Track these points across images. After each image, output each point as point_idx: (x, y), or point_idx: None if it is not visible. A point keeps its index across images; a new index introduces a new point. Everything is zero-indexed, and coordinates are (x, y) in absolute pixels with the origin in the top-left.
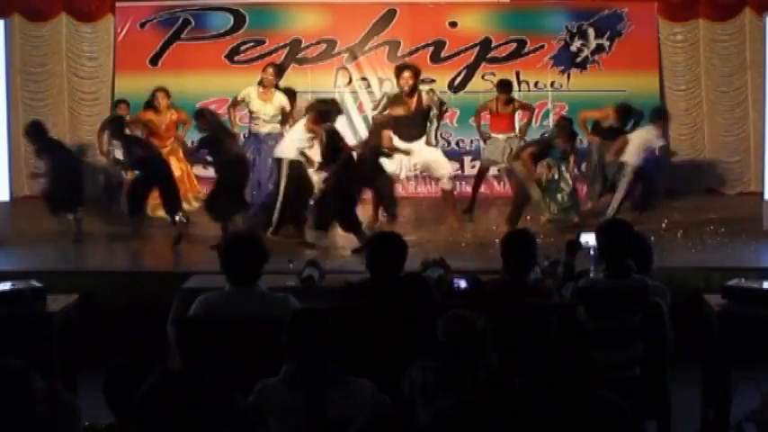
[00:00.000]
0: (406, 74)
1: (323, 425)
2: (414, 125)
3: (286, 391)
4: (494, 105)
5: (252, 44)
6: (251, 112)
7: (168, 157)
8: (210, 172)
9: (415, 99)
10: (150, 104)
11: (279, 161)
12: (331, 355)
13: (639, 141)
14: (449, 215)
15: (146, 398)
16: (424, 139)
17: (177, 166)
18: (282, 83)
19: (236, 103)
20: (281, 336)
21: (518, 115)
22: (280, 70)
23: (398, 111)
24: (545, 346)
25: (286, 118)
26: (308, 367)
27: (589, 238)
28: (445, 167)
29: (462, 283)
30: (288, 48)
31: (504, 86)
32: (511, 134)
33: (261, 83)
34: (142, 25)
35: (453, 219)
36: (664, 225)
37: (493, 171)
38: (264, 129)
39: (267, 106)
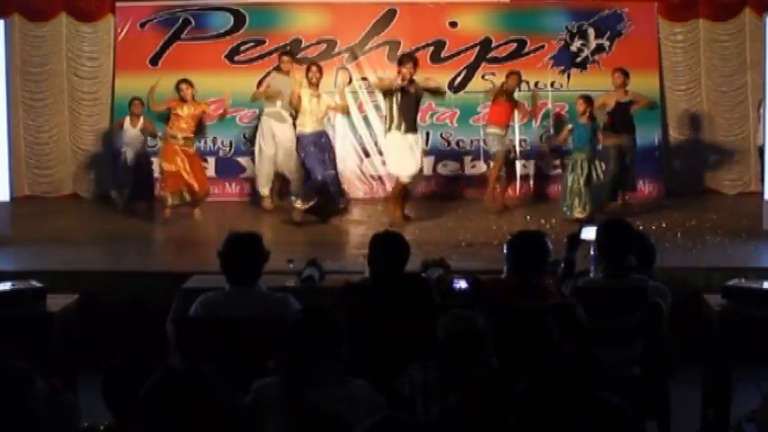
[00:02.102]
0: (408, 65)
1: (304, 423)
2: (412, 114)
3: (283, 390)
4: (500, 94)
5: (252, 44)
6: (297, 113)
7: (182, 148)
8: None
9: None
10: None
11: None
12: (333, 354)
13: None
14: (394, 206)
15: (149, 396)
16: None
17: (176, 160)
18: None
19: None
20: (284, 334)
21: (517, 115)
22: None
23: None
24: (543, 348)
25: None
26: (296, 368)
27: (591, 234)
28: (407, 170)
29: (462, 284)
30: (288, 48)
31: (517, 74)
32: (505, 130)
33: (309, 82)
34: (142, 25)
35: (397, 211)
36: (664, 225)
37: None
38: (309, 128)
39: (320, 105)
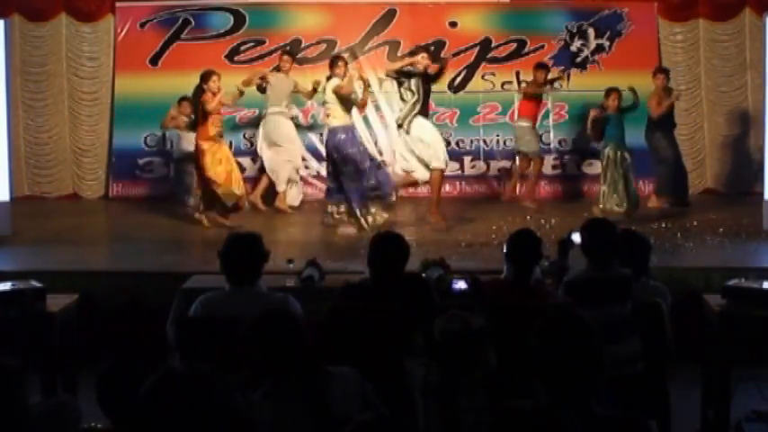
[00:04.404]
0: (423, 54)
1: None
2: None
3: (271, 403)
4: (529, 89)
5: (252, 44)
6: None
7: (217, 142)
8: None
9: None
10: (202, 89)
11: None
12: (311, 355)
13: None
14: (436, 207)
15: (148, 396)
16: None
17: (225, 156)
18: None
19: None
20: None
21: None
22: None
23: None
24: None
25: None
26: (300, 376)
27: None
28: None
29: (461, 284)
30: (288, 48)
31: (542, 65)
32: (534, 123)
33: (331, 77)
34: (142, 25)
35: (435, 213)
36: (664, 225)
37: (493, 171)
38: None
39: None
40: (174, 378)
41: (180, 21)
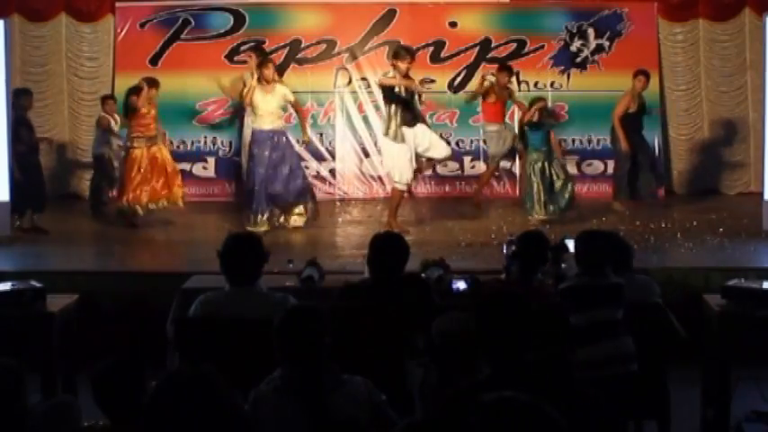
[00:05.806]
0: (406, 60)
1: (324, 429)
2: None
3: (280, 398)
4: (490, 94)
5: (252, 44)
6: (253, 108)
7: (153, 147)
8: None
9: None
10: (136, 92)
11: None
12: (325, 355)
13: None
14: (394, 218)
15: (157, 397)
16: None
17: (162, 157)
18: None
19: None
20: (272, 337)
21: (517, 113)
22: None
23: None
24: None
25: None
26: (304, 371)
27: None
28: (444, 148)
29: (461, 284)
30: (288, 48)
31: (506, 67)
32: (501, 125)
33: (260, 80)
34: (142, 25)
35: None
36: (664, 225)
37: None
38: (268, 125)
39: (270, 99)
40: (180, 380)
41: (180, 21)
